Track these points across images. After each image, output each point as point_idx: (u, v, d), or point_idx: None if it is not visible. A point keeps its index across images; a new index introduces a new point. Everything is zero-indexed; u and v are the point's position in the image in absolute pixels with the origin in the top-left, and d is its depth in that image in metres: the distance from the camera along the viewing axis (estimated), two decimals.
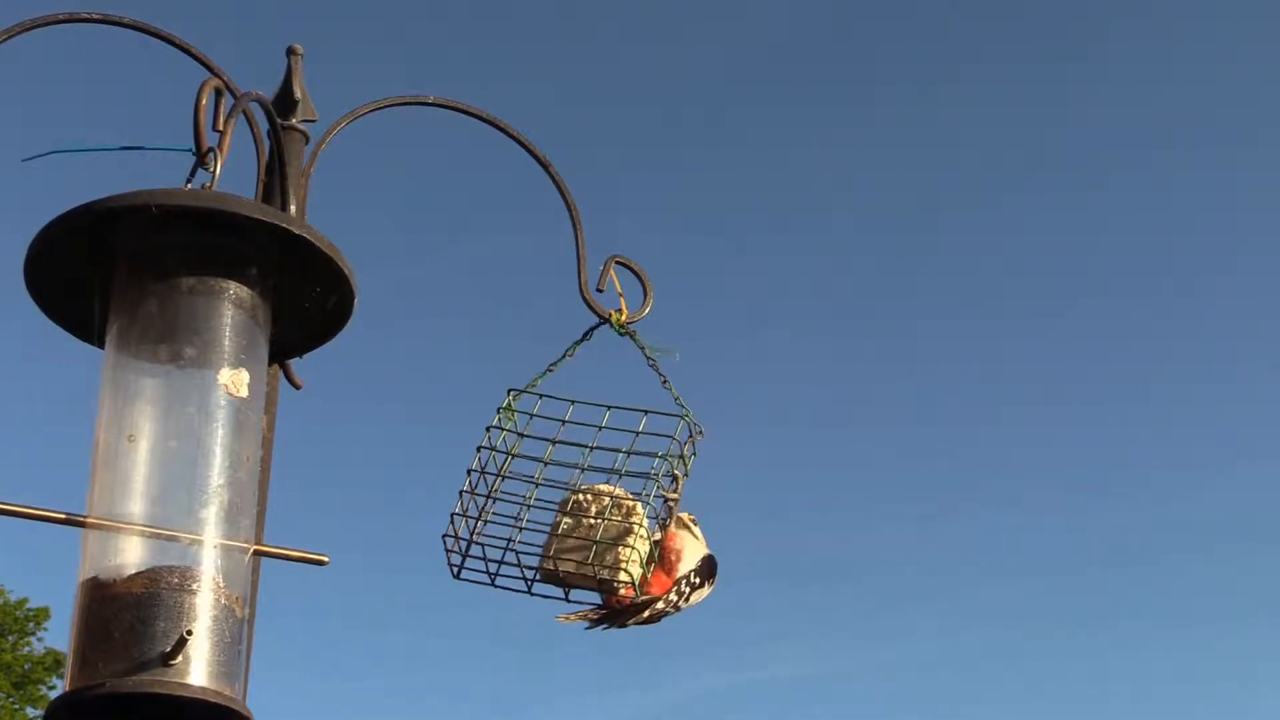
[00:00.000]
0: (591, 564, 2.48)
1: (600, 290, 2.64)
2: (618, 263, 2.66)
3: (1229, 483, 25.15)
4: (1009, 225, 24.86)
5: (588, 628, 2.60)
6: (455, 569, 2.50)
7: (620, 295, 2.64)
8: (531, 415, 2.52)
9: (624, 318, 2.63)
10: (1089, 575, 24.65)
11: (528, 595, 2.51)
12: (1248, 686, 23.63)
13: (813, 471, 26.66)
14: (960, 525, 25.54)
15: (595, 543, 2.48)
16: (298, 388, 2.38)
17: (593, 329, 2.63)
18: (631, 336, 2.62)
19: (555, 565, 2.49)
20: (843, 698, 23.64)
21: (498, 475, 2.50)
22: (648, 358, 2.61)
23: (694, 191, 25.23)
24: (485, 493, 2.50)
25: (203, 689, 1.81)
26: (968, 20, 23.16)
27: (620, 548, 2.49)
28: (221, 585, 1.86)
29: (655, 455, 2.50)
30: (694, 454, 2.52)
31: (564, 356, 2.60)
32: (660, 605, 2.59)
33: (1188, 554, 25.63)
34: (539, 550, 2.50)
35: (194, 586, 1.84)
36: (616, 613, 2.58)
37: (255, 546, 1.96)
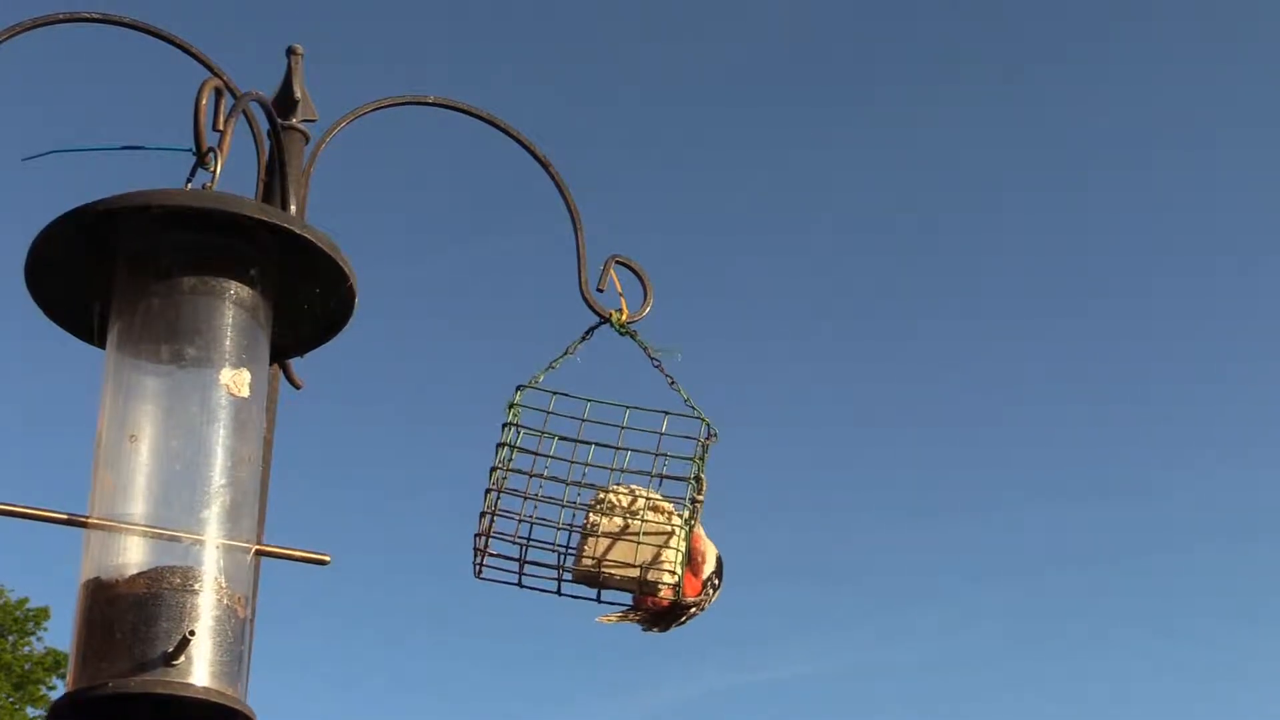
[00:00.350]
0: (640, 564, 2.47)
1: (600, 290, 2.64)
2: (618, 263, 2.66)
3: (1231, 481, 25.14)
4: (1007, 225, 24.86)
5: (644, 630, 2.60)
6: (477, 568, 2.49)
7: (620, 295, 2.64)
8: (549, 413, 2.52)
9: (624, 317, 2.63)
10: (1090, 575, 24.65)
11: (556, 596, 2.50)
12: (1250, 686, 23.63)
13: (813, 471, 26.66)
14: (960, 525, 25.53)
15: (641, 543, 2.48)
16: (298, 388, 2.38)
17: (593, 328, 2.63)
18: (632, 336, 2.62)
19: (600, 565, 2.47)
20: (843, 698, 23.64)
21: (510, 472, 2.49)
22: (651, 358, 2.61)
23: (694, 191, 25.23)
24: (502, 491, 2.49)
25: (205, 689, 1.81)
26: (967, 20, 23.15)
27: (665, 549, 2.49)
28: (223, 585, 1.86)
29: (678, 457, 2.50)
30: (706, 455, 2.53)
31: (565, 354, 2.60)
32: (693, 609, 2.59)
33: (1189, 553, 25.63)
34: (573, 550, 2.49)
35: (196, 586, 1.84)
36: (660, 615, 2.58)
37: (257, 546, 1.95)
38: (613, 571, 2.47)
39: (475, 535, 2.48)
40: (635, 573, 2.47)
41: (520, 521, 2.47)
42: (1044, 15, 23.47)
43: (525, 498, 2.48)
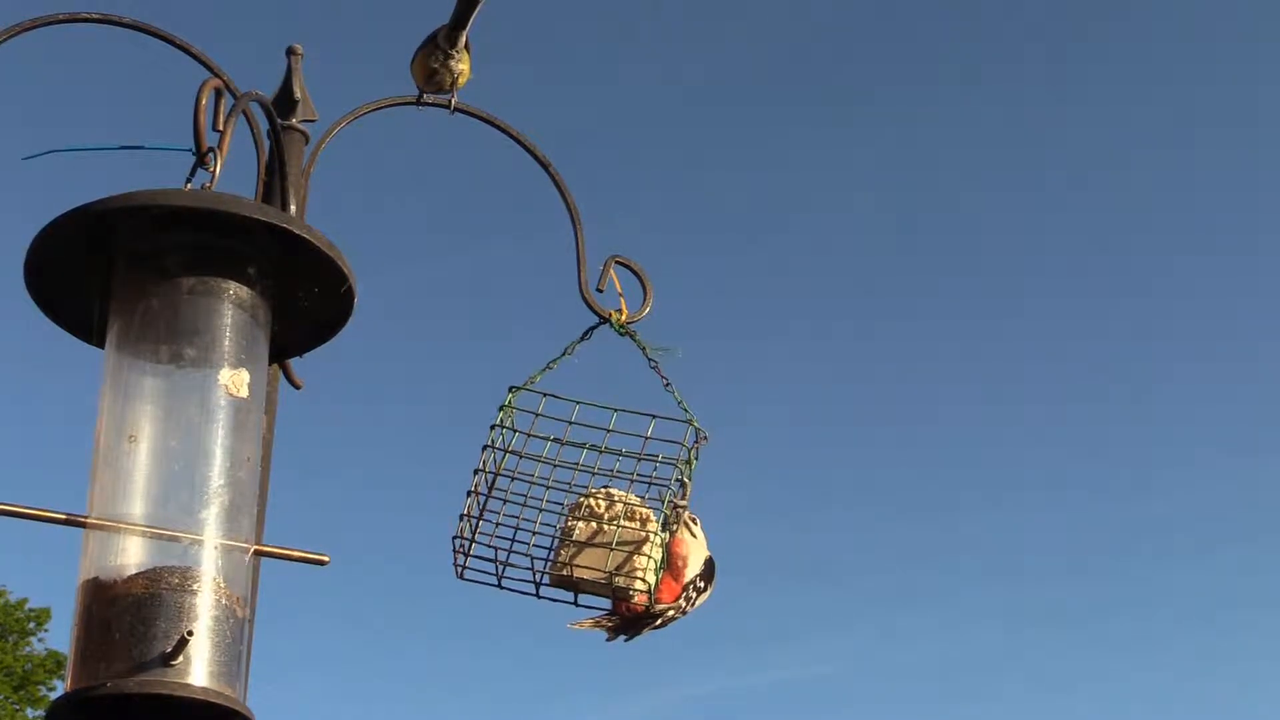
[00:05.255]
0: (609, 571, 2.47)
1: (600, 290, 2.64)
2: (618, 263, 2.66)
3: (1232, 480, 25.14)
4: (1008, 225, 24.85)
5: (608, 639, 2.59)
6: (459, 569, 2.49)
7: (620, 295, 2.64)
8: (537, 415, 2.51)
9: (624, 318, 2.62)
10: (1090, 574, 24.65)
11: (535, 598, 2.50)
12: (1251, 685, 23.62)
13: (812, 471, 26.65)
14: (960, 525, 25.53)
15: (613, 550, 2.47)
16: (298, 388, 2.38)
17: (592, 329, 2.63)
18: (632, 336, 2.62)
19: (571, 571, 2.47)
20: (843, 699, 23.63)
21: (499, 474, 2.49)
22: (649, 359, 2.60)
23: (694, 191, 25.23)
24: (491, 494, 2.48)
25: (204, 689, 1.81)
26: (964, 20, 23.15)
27: (637, 556, 2.48)
28: (222, 585, 1.86)
29: (666, 461, 2.49)
30: (696, 459, 2.52)
31: (563, 354, 2.60)
32: (671, 613, 2.59)
33: (1191, 553, 25.63)
34: (549, 554, 2.49)
35: (194, 587, 1.84)
36: (631, 622, 2.57)
37: (255, 546, 1.95)
38: (584, 577, 2.47)
39: (453, 538, 2.48)
40: (607, 578, 2.47)
41: (498, 525, 2.47)
42: (1036, 16, 23.48)
43: (506, 500, 2.48)
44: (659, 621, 2.59)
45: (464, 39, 2.60)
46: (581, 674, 24.83)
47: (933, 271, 25.26)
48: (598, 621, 2.56)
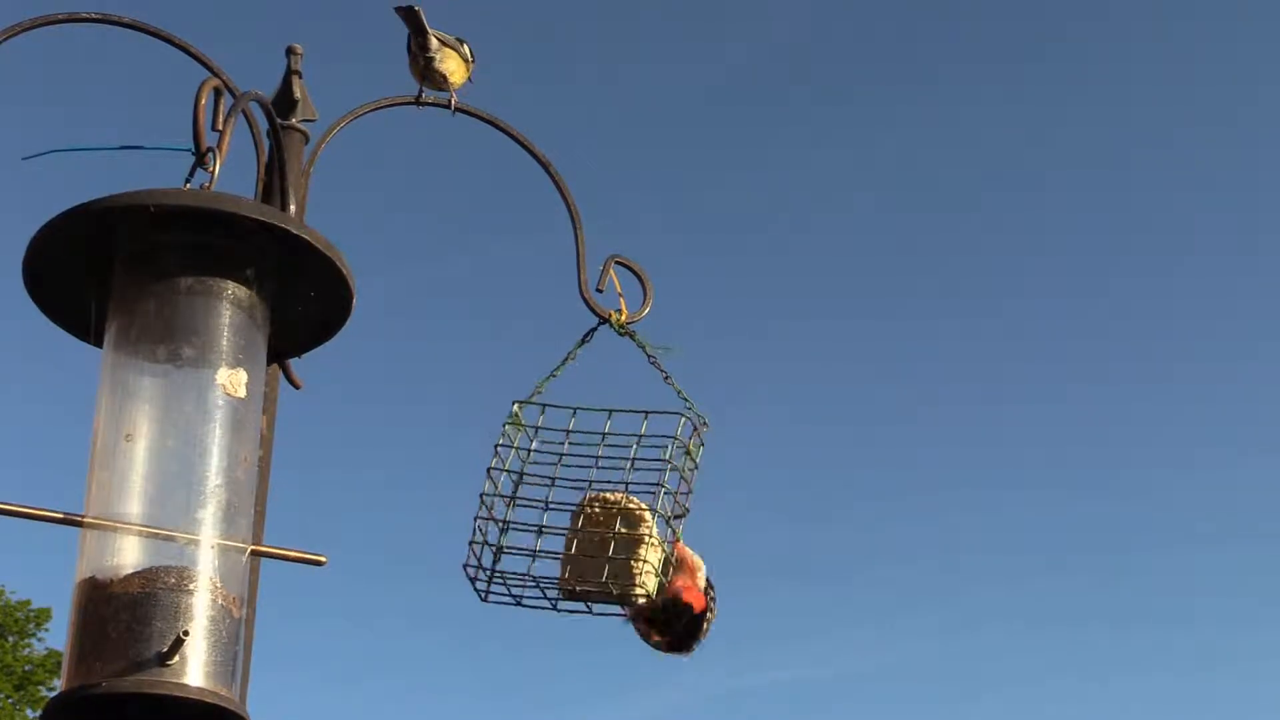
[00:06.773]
0: (606, 581, 2.46)
1: (600, 290, 2.64)
2: (618, 263, 2.65)
3: (1235, 480, 25.14)
4: (1009, 224, 24.86)
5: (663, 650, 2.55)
6: (482, 594, 2.48)
7: (620, 295, 2.64)
8: (537, 428, 2.50)
9: (624, 318, 2.62)
10: (1092, 574, 24.65)
11: (555, 612, 2.49)
12: (1253, 686, 23.62)
13: (813, 471, 26.66)
14: (961, 524, 25.53)
15: (609, 560, 2.46)
16: (298, 388, 2.38)
17: (593, 330, 2.63)
18: (631, 336, 2.62)
19: (575, 586, 2.46)
20: (844, 700, 23.63)
21: (511, 497, 2.48)
22: (649, 356, 2.60)
23: (694, 191, 25.25)
24: (501, 515, 2.48)
25: (200, 689, 1.80)
26: (964, 20, 23.16)
27: (632, 561, 2.47)
28: (218, 585, 1.86)
29: (664, 460, 2.48)
30: (701, 444, 2.51)
31: (565, 361, 2.59)
32: (711, 615, 2.53)
33: (1191, 552, 25.63)
34: (558, 571, 2.48)
35: (191, 587, 1.84)
36: (667, 632, 2.53)
37: (253, 547, 1.95)
38: (589, 589, 2.46)
39: (463, 565, 2.47)
40: (606, 588, 2.45)
41: (504, 549, 2.47)
42: (1037, 16, 23.50)
43: (508, 521, 2.47)
44: (701, 623, 2.53)
45: (433, 41, 2.59)
46: (582, 674, 24.84)
47: (932, 271, 25.27)
48: (646, 636, 2.53)
